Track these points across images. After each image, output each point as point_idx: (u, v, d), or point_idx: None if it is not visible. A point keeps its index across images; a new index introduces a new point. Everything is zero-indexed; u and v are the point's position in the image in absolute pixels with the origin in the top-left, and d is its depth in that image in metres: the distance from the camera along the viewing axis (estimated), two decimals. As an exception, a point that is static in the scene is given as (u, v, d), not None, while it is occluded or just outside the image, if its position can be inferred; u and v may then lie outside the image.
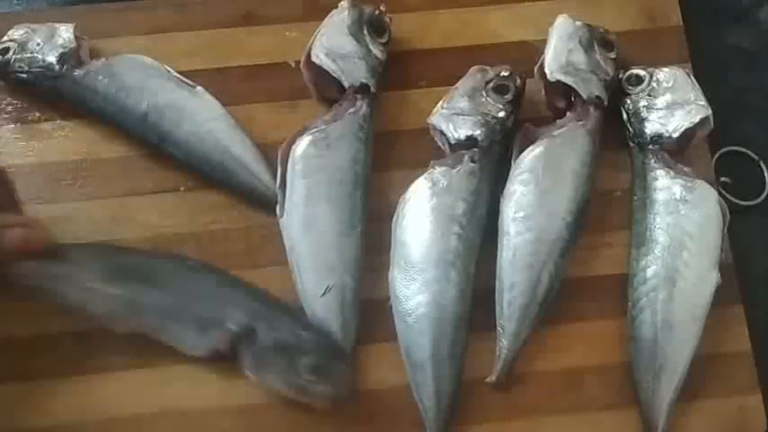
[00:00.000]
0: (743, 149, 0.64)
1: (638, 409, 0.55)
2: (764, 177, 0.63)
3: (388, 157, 0.61)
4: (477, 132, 0.57)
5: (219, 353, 0.54)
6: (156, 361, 0.56)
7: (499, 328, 0.55)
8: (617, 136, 0.60)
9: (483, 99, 0.58)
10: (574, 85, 0.57)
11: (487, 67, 0.59)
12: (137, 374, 0.56)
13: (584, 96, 0.57)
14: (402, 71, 0.63)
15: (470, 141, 0.57)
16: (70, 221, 0.59)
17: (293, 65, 0.62)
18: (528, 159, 0.57)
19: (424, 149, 0.60)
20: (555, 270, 0.55)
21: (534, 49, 0.62)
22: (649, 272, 0.56)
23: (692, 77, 0.59)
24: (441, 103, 0.58)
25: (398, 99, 0.62)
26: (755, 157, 0.64)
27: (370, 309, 0.57)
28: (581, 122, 0.57)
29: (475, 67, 0.60)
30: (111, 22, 0.64)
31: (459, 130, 0.57)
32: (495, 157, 0.58)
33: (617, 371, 0.56)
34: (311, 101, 0.62)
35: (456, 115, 0.57)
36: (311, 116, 0.60)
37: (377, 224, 0.58)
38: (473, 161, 0.56)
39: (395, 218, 0.56)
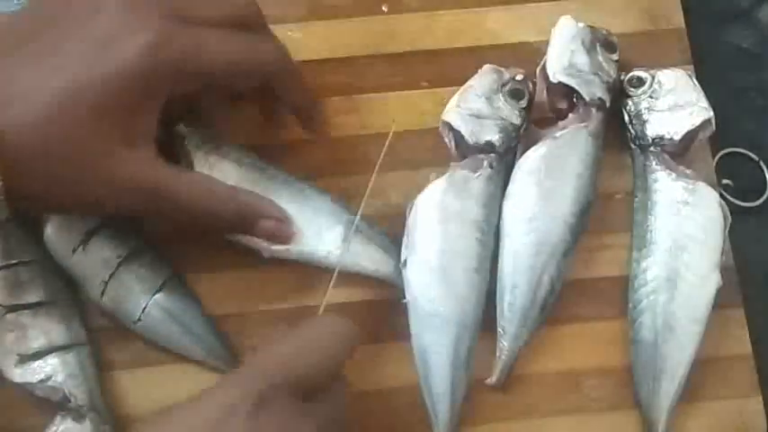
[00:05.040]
0: (743, 150, 0.64)
1: (639, 411, 0.55)
2: (765, 178, 0.63)
3: (388, 157, 0.60)
4: (496, 138, 0.57)
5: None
6: (158, 360, 0.56)
7: (500, 330, 0.55)
8: (618, 138, 0.60)
9: (500, 103, 0.58)
10: (576, 87, 0.57)
11: (502, 69, 0.59)
12: (137, 373, 0.56)
13: (587, 98, 0.57)
14: (404, 72, 0.63)
15: (489, 146, 0.57)
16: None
17: (295, 64, 0.63)
18: (530, 160, 0.57)
19: (425, 150, 0.60)
20: (556, 272, 0.55)
21: (536, 51, 0.62)
22: (650, 274, 0.56)
23: (694, 79, 0.59)
24: (455, 101, 0.58)
25: (400, 99, 0.62)
26: (756, 158, 0.64)
27: (371, 308, 0.57)
28: (583, 124, 0.57)
29: (489, 67, 0.59)
30: (113, 21, 0.64)
31: (480, 134, 0.57)
32: (509, 163, 0.58)
33: (617, 372, 0.56)
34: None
35: (473, 117, 0.57)
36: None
37: (378, 225, 0.58)
38: (491, 167, 0.56)
39: (412, 219, 0.55)
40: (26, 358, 0.53)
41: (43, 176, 0.46)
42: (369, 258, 0.56)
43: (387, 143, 0.57)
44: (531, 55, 0.62)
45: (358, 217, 0.55)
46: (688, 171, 0.57)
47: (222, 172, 0.55)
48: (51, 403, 0.53)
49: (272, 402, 0.43)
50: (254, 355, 0.47)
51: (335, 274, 0.53)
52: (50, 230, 0.55)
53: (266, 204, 0.54)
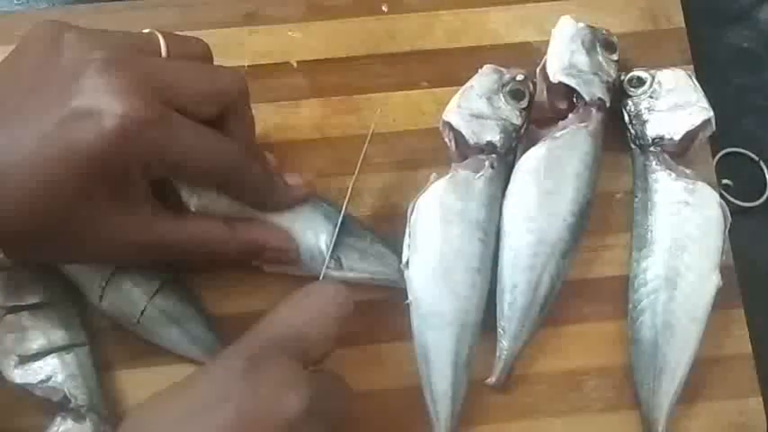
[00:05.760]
0: (743, 150, 0.64)
1: (639, 411, 0.55)
2: (765, 178, 0.63)
3: (388, 157, 0.61)
4: (497, 138, 0.57)
5: None
6: (158, 360, 0.56)
7: (500, 329, 0.55)
8: (618, 138, 0.60)
9: (501, 103, 0.58)
10: (576, 87, 0.57)
11: (502, 69, 0.59)
12: (137, 373, 0.56)
13: (587, 98, 0.57)
14: (404, 72, 0.63)
15: (490, 147, 0.57)
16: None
17: (295, 65, 0.63)
18: (530, 160, 0.57)
19: (425, 150, 0.60)
20: (556, 271, 0.55)
21: (536, 51, 0.62)
22: (650, 274, 0.56)
23: (694, 79, 0.59)
24: (455, 101, 0.58)
25: (400, 100, 0.62)
26: (756, 158, 0.64)
27: (371, 308, 0.57)
28: (583, 124, 0.57)
29: (489, 66, 0.59)
30: (113, 22, 0.64)
31: (480, 134, 0.57)
32: (510, 163, 0.58)
33: (617, 372, 0.56)
34: (313, 100, 0.62)
35: (474, 117, 0.57)
36: (313, 116, 0.61)
37: (378, 225, 0.58)
38: (492, 167, 0.56)
39: (414, 219, 0.55)
40: (26, 359, 0.53)
41: (38, 243, 0.47)
42: (366, 270, 0.56)
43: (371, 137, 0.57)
44: (531, 55, 0.62)
45: (337, 227, 0.55)
46: (688, 171, 0.57)
47: (211, 202, 0.53)
48: (51, 404, 0.53)
49: (266, 360, 0.43)
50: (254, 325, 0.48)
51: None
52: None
53: (269, 235, 0.54)
